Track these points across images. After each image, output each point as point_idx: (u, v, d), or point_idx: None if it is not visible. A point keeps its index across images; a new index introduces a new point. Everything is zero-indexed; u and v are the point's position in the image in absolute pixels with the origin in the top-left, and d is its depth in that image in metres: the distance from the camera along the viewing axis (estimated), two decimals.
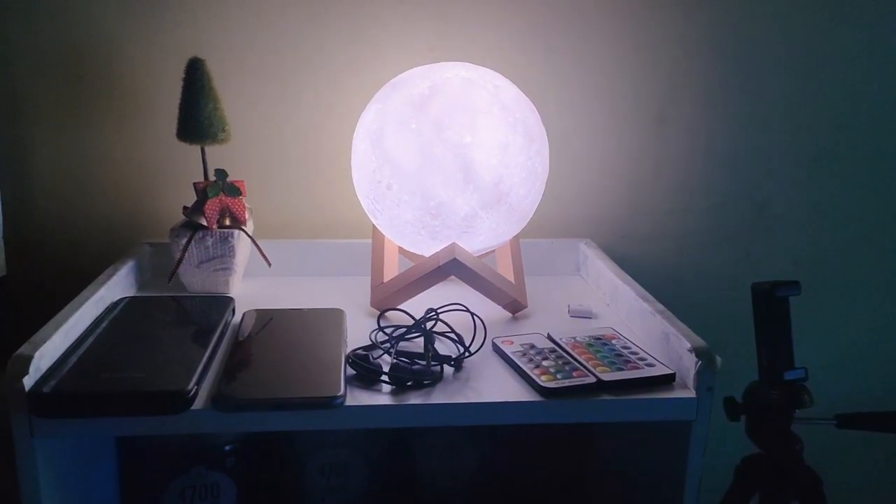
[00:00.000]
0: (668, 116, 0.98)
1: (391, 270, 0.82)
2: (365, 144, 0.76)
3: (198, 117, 0.80)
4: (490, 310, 0.81)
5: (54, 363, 0.61)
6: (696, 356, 0.64)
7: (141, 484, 0.86)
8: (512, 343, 0.72)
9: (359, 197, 0.80)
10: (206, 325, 0.71)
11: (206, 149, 0.83)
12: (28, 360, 0.58)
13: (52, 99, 0.90)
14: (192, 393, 0.59)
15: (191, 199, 0.84)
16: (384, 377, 0.64)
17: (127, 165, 0.93)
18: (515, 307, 0.81)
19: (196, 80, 0.80)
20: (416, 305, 0.80)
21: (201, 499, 0.84)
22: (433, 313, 0.74)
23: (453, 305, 0.76)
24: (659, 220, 1.01)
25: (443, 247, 0.77)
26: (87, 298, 0.71)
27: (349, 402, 0.61)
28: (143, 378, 0.60)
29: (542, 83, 0.95)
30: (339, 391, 0.60)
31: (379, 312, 0.79)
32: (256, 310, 0.77)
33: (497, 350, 0.71)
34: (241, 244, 0.85)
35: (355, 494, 0.93)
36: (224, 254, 0.83)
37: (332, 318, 0.75)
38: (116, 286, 0.79)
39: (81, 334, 0.68)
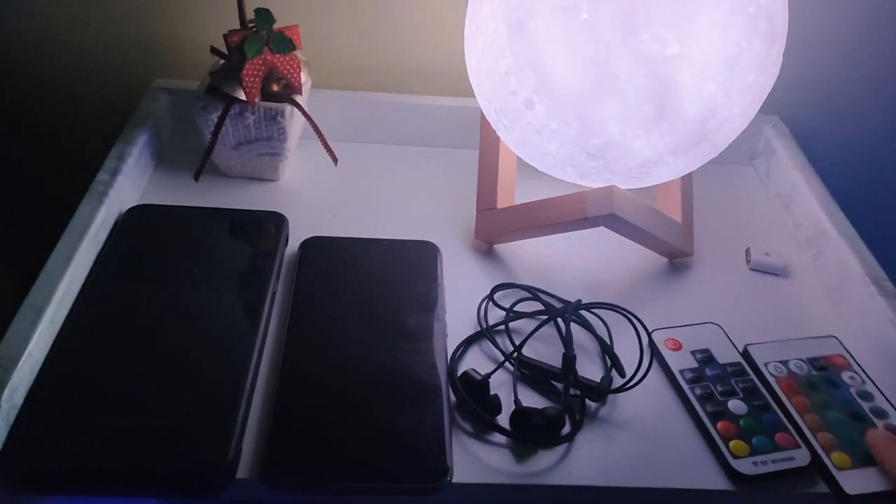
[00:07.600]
0: None
1: (506, 192, 0.57)
2: (495, 22, 0.46)
3: None
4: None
5: (33, 387, 0.42)
6: None
7: None
8: (679, 347, 0.51)
9: (472, 86, 0.53)
10: (249, 286, 0.50)
11: None
12: None
13: None
14: (231, 468, 0.40)
15: (221, 20, 0.57)
16: (502, 426, 0.44)
17: None
18: (677, 255, 0.57)
19: None
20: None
21: None
22: (576, 307, 0.51)
23: (605, 306, 0.50)
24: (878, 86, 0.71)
25: (593, 185, 0.52)
26: (70, 256, 0.49)
27: (455, 474, 0.42)
28: (164, 430, 0.40)
29: None
30: (445, 471, 0.41)
31: (486, 245, 0.57)
32: (318, 242, 0.54)
33: (657, 356, 0.50)
34: (295, 121, 0.59)
35: None
36: (271, 136, 0.59)
37: (423, 264, 0.53)
38: (124, 184, 0.56)
39: (74, 305, 0.47)
